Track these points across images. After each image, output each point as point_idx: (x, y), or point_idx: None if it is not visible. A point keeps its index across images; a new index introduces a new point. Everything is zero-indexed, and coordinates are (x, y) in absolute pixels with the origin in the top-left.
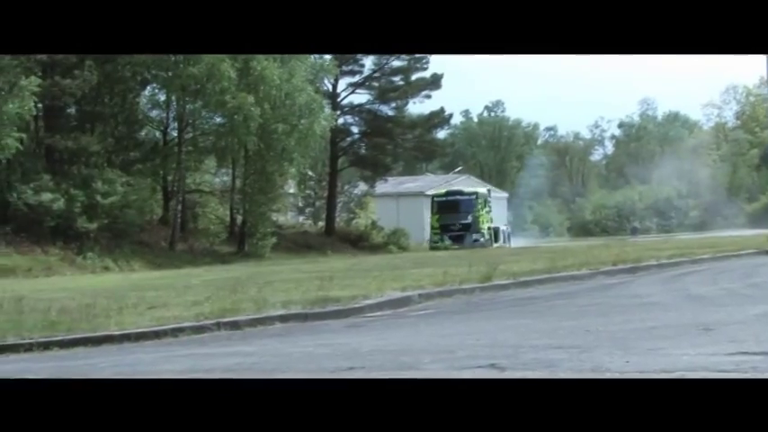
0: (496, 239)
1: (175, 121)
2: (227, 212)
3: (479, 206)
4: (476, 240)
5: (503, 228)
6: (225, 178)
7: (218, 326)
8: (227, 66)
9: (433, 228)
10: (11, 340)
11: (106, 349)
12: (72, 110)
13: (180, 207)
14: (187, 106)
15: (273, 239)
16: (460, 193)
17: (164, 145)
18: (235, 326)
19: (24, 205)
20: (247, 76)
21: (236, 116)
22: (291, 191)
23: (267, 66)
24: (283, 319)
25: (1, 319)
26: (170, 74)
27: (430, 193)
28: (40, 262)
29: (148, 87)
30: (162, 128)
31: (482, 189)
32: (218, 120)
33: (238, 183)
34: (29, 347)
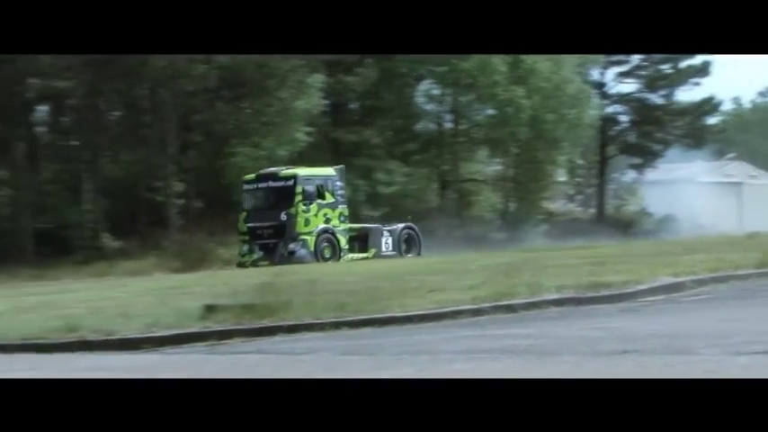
0: (363, 248)
1: (450, 113)
2: (500, 200)
3: (299, 197)
4: (291, 253)
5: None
6: (497, 167)
7: (495, 309)
8: (498, 60)
9: (240, 233)
10: (306, 320)
11: (391, 329)
12: (354, 105)
13: (455, 196)
14: (461, 99)
15: (544, 226)
16: (273, 176)
17: (439, 137)
18: (510, 309)
19: None
20: (518, 69)
21: (507, 108)
22: (561, 179)
23: (537, 60)
24: (557, 303)
25: (297, 300)
26: (445, 69)
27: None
28: None
29: (424, 83)
30: (437, 121)
31: (317, 169)
32: (490, 112)
33: (510, 172)
34: (321, 327)
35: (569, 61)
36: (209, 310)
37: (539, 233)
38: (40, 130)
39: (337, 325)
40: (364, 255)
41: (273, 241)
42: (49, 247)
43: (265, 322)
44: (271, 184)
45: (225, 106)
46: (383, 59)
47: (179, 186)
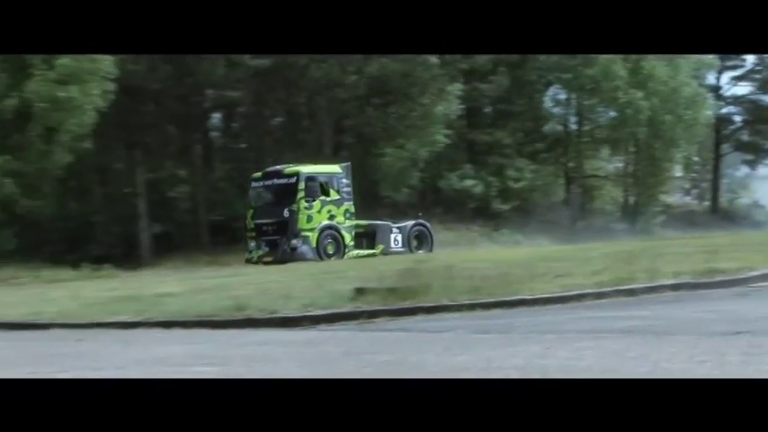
0: (371, 244)
1: (575, 116)
2: (620, 194)
3: (302, 194)
4: (293, 249)
5: (400, 225)
6: (618, 164)
7: (616, 293)
8: (619, 66)
9: (248, 229)
10: (444, 302)
11: (520, 311)
12: (488, 109)
13: (579, 190)
14: (584, 103)
15: (662, 217)
16: (278, 174)
17: (565, 137)
18: (630, 293)
19: (452, 190)
20: (637, 74)
21: (627, 110)
22: (678, 174)
23: (655, 65)
24: (674, 287)
25: (436, 284)
26: (570, 76)
27: None
28: (464, 237)
29: (551, 88)
30: (563, 122)
31: (322, 166)
32: (612, 114)
33: (630, 168)
34: (458, 308)
35: (686, 66)
36: (359, 292)
37: (656, 224)
38: (214, 134)
39: (472, 306)
40: (371, 251)
41: (277, 238)
42: (222, 236)
43: (408, 303)
44: (276, 181)
45: (373, 111)
46: (516, 67)
47: None
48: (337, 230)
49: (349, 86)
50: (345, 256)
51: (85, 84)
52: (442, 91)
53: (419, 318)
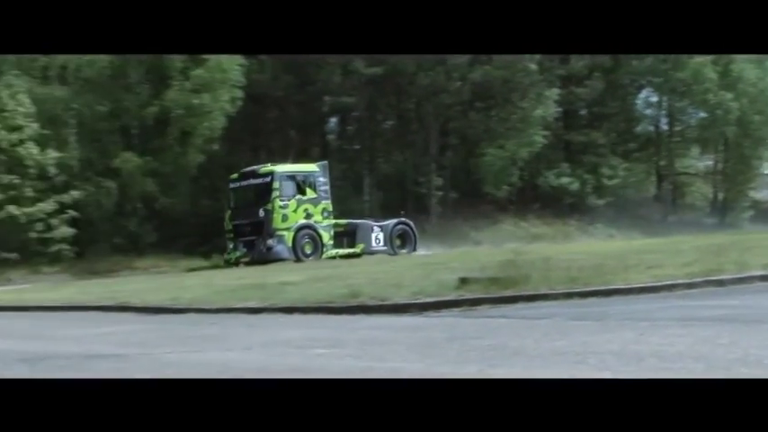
0: (352, 243)
1: (666, 117)
2: (710, 191)
3: (276, 193)
4: (269, 249)
5: (381, 223)
6: (707, 162)
7: (706, 283)
8: (709, 69)
9: (226, 231)
10: (542, 291)
11: (614, 300)
12: (583, 112)
13: (670, 187)
14: (675, 105)
15: (750, 213)
16: (254, 174)
17: (656, 137)
18: (720, 283)
19: (549, 187)
20: (727, 76)
21: (717, 111)
22: (766, 171)
23: (744, 67)
24: (763, 278)
25: (535, 274)
26: (661, 79)
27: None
28: (561, 231)
29: (643, 91)
30: (654, 123)
31: (298, 165)
32: (702, 115)
33: (719, 166)
34: (555, 297)
35: None
36: (463, 281)
37: (745, 219)
38: (330, 137)
39: (568, 295)
40: (352, 250)
41: (254, 238)
42: None
43: (508, 292)
44: (251, 181)
45: (476, 115)
46: (610, 71)
47: (438, 181)
48: (314, 229)
49: (454, 92)
50: (324, 256)
51: (216, 92)
52: (540, 95)
53: (519, 305)
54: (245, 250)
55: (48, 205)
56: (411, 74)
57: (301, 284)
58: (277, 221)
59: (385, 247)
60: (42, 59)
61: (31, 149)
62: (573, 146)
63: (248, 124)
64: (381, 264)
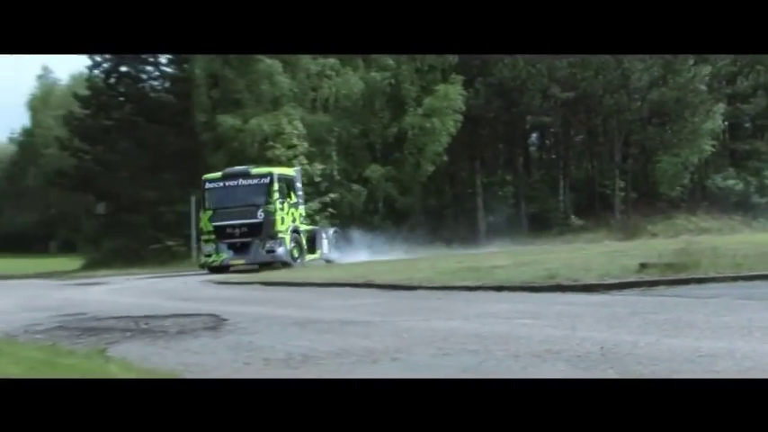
0: (312, 249)
1: None
2: None
3: (276, 195)
4: (271, 251)
5: (327, 231)
6: None
7: None
8: None
9: (204, 232)
10: (711, 275)
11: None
12: (747, 124)
13: None
14: None
15: None
16: (246, 174)
17: None
18: None
19: (716, 188)
20: None
21: None
22: None
23: None
24: None
25: (705, 261)
26: None
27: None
28: (727, 225)
29: None
30: None
31: (283, 169)
32: None
33: None
34: (723, 280)
35: None
36: (643, 266)
37: None
38: (531, 149)
39: (734, 278)
40: (314, 256)
41: (245, 240)
42: (536, 224)
43: (682, 275)
44: (242, 182)
45: (653, 129)
46: None
47: (621, 183)
48: (299, 233)
49: (634, 110)
50: (306, 259)
51: (443, 116)
52: (709, 111)
53: (691, 287)
54: (231, 253)
55: (313, 204)
56: (599, 96)
57: (507, 268)
58: (278, 224)
59: (327, 253)
60: (311, 94)
61: (303, 162)
62: (738, 153)
63: (466, 140)
64: (574, 252)
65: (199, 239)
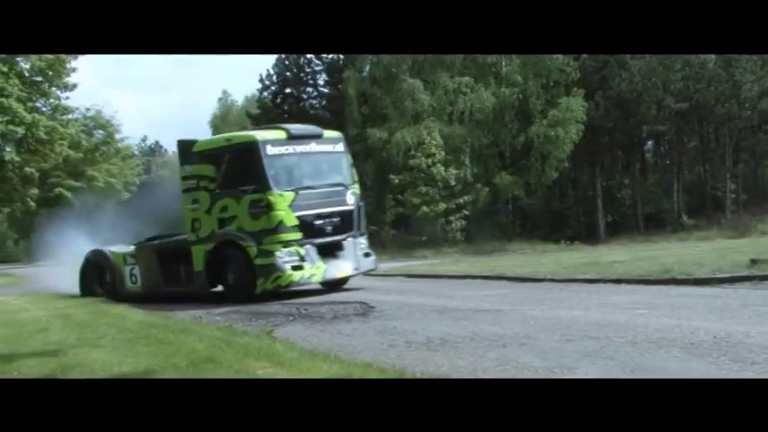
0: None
1: None
2: None
3: (353, 169)
4: (367, 254)
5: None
6: None
7: None
8: None
9: (280, 227)
10: None
11: None
12: None
13: None
14: None
15: None
16: (318, 135)
17: None
18: None
19: None
20: None
21: None
22: None
23: None
24: None
25: None
26: None
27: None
28: None
29: None
30: None
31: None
32: None
33: None
34: None
35: None
36: (753, 262)
37: None
38: (647, 155)
39: None
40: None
41: (338, 239)
42: (652, 223)
43: None
44: (315, 147)
45: (763, 136)
46: None
47: (731, 186)
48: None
49: (745, 119)
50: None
51: (566, 126)
52: None
53: None
54: (324, 261)
55: (449, 206)
56: (711, 105)
57: (625, 263)
58: (363, 212)
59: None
60: (448, 108)
61: (440, 169)
62: None
63: (587, 147)
64: (687, 249)
65: (260, 240)
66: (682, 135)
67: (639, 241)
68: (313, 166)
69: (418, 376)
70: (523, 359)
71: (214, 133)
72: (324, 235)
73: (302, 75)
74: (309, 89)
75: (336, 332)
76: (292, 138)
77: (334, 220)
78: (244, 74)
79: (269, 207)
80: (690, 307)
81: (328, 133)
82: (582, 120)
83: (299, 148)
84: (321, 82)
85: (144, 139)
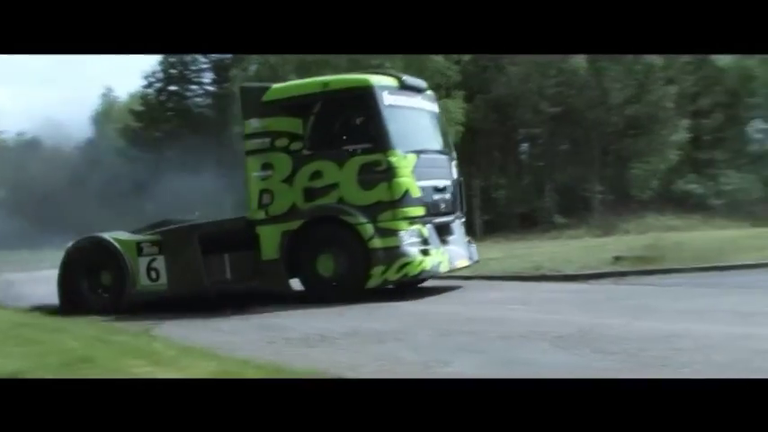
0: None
1: None
2: None
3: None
4: (470, 241)
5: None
6: None
7: None
8: None
9: (404, 200)
10: (675, 266)
11: (730, 273)
12: (707, 137)
13: None
14: None
15: None
16: (423, 89)
17: (764, 154)
18: None
19: (680, 191)
20: None
21: None
22: None
23: None
24: None
25: (670, 254)
26: None
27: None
28: (688, 223)
29: (755, 120)
30: (762, 144)
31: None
32: None
33: None
34: (684, 271)
35: None
36: (617, 259)
37: None
38: (522, 156)
39: (694, 270)
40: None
41: (449, 220)
42: (527, 222)
43: (650, 267)
44: (422, 102)
45: (628, 140)
46: (728, 108)
47: (599, 187)
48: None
49: (611, 124)
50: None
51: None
52: (675, 125)
53: (656, 277)
54: (439, 245)
55: None
56: (582, 111)
57: (500, 260)
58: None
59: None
60: None
61: None
62: (699, 162)
63: (465, 148)
64: (555, 247)
65: (376, 217)
66: (554, 138)
67: (514, 239)
68: (423, 126)
69: (296, 375)
70: (400, 354)
71: (96, 130)
72: (440, 213)
73: (187, 72)
74: (194, 87)
75: (215, 329)
76: (404, 87)
77: (446, 196)
78: (127, 71)
79: (391, 172)
80: (559, 302)
81: (424, 86)
82: (461, 122)
83: (411, 102)
84: (206, 80)
85: (20, 134)
